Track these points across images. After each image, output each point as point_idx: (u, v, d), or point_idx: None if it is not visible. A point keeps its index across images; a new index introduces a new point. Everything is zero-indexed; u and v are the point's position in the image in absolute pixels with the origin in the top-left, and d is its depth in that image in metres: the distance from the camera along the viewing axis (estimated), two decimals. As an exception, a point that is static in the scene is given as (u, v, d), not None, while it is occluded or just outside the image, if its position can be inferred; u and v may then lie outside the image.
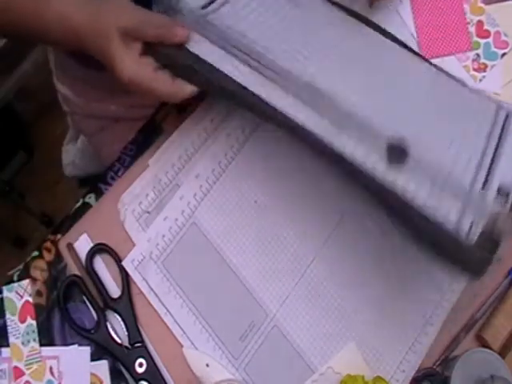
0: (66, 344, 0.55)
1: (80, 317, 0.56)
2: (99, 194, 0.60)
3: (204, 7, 0.54)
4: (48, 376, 0.54)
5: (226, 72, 0.48)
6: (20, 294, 0.56)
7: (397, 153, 0.45)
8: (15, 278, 0.58)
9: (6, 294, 0.56)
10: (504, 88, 0.62)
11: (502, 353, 0.55)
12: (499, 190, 0.44)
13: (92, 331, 0.54)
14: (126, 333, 0.54)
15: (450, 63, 0.62)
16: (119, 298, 0.55)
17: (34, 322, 0.55)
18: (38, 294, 0.57)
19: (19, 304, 0.56)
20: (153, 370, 0.54)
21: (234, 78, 0.48)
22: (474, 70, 0.62)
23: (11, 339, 0.55)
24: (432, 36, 0.62)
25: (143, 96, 0.50)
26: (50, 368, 0.54)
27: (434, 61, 0.62)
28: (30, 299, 0.56)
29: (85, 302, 0.56)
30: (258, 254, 0.56)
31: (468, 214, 0.42)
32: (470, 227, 0.41)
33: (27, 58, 1.48)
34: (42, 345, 0.55)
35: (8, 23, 0.52)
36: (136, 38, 0.49)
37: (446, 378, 0.52)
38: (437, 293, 0.57)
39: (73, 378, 0.54)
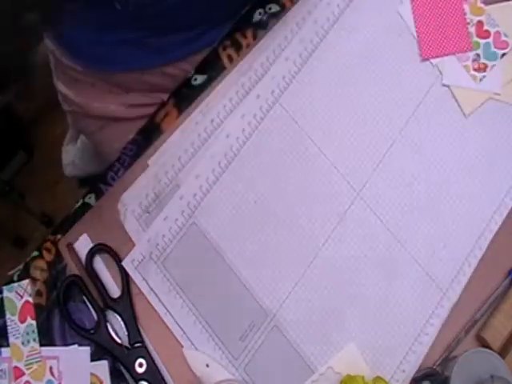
0: (65, 344, 0.55)
1: (80, 317, 0.56)
2: (99, 194, 0.60)
3: None
4: (48, 376, 0.54)
5: None
6: (20, 294, 0.56)
7: None
8: (15, 277, 0.58)
9: (5, 293, 0.56)
10: (504, 88, 0.62)
11: (502, 353, 0.54)
12: None
13: (92, 331, 0.54)
14: (126, 333, 0.54)
15: (450, 63, 0.62)
16: (119, 298, 0.55)
17: (33, 322, 0.55)
18: (38, 293, 0.57)
19: (19, 304, 0.56)
20: (153, 370, 0.54)
21: None
22: (474, 70, 0.62)
23: (11, 339, 0.55)
24: (432, 36, 0.62)
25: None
26: (50, 368, 0.54)
27: (434, 61, 0.62)
28: (30, 299, 0.56)
29: (85, 302, 0.56)
30: (258, 254, 0.56)
31: None
32: None
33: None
34: (41, 345, 0.55)
35: None
36: None
37: (446, 378, 0.52)
38: (437, 293, 0.57)
39: (73, 378, 0.54)
